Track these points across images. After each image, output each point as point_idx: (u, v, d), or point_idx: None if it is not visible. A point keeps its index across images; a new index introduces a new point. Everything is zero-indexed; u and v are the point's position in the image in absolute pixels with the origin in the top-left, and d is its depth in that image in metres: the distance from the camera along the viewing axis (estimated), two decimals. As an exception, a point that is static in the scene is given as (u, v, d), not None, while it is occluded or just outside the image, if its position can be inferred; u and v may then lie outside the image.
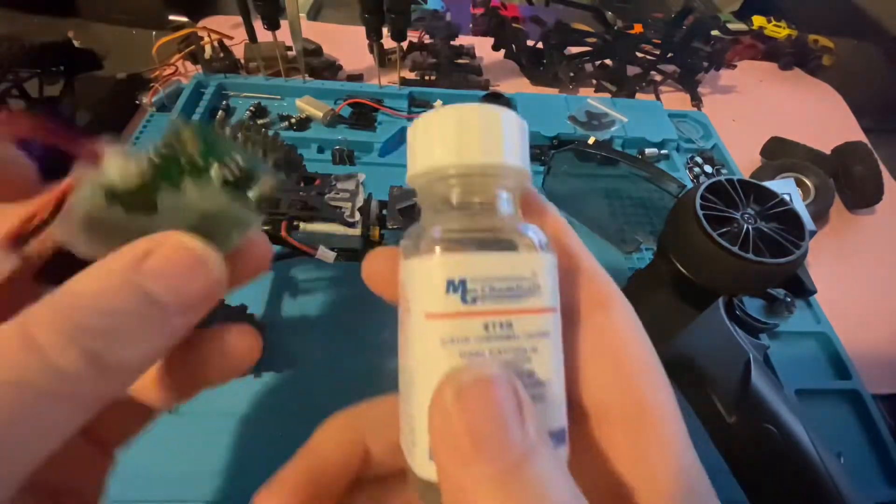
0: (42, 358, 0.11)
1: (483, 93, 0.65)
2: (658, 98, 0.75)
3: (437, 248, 0.13)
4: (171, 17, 0.68)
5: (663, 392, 0.14)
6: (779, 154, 0.65)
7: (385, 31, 0.59)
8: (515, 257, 0.13)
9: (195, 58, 0.64)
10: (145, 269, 0.12)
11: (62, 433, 0.11)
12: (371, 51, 0.69)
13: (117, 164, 0.14)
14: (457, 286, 0.12)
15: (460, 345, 0.12)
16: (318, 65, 0.69)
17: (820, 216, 0.59)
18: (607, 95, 0.73)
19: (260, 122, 0.60)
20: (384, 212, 0.43)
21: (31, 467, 0.11)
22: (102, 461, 0.17)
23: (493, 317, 0.12)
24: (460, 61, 0.73)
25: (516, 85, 0.74)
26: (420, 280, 0.13)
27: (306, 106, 0.61)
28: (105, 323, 0.11)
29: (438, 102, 0.65)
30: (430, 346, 0.12)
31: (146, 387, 0.15)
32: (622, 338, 0.14)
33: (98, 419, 0.13)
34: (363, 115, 0.62)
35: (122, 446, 0.17)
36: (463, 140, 0.14)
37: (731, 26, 0.89)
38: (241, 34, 0.63)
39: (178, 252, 0.13)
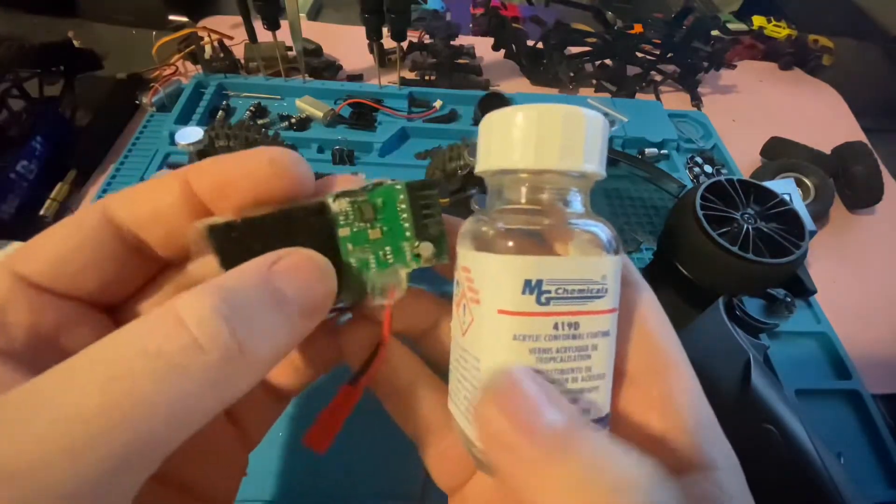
0: (190, 338, 0.11)
1: (483, 93, 0.65)
2: (658, 98, 0.75)
3: (515, 248, 0.13)
4: (171, 17, 0.68)
5: (680, 353, 0.15)
6: (779, 154, 0.65)
7: (385, 31, 0.59)
8: (589, 261, 0.13)
9: (195, 58, 0.64)
10: (277, 268, 0.13)
11: (200, 418, 0.11)
12: (371, 51, 0.69)
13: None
14: (533, 287, 0.13)
15: (530, 342, 0.13)
16: (318, 65, 0.69)
17: (820, 216, 0.59)
18: (607, 95, 0.73)
19: (260, 122, 0.60)
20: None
21: (167, 449, 0.11)
22: (238, 458, 0.18)
23: (563, 317, 0.13)
24: (460, 61, 0.73)
25: (516, 85, 0.74)
26: (495, 276, 0.13)
27: (306, 106, 0.61)
28: (244, 311, 0.12)
29: (438, 102, 0.65)
30: (501, 341, 0.13)
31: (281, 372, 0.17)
32: (644, 311, 0.15)
33: (235, 411, 0.15)
34: (363, 115, 0.62)
35: (257, 440, 0.18)
36: (543, 142, 0.14)
37: (731, 26, 0.89)
38: (241, 34, 0.63)
39: (304, 260, 0.14)
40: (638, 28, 0.73)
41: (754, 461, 0.31)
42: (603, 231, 0.14)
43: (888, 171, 0.66)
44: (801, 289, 0.48)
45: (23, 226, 0.49)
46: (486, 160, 0.15)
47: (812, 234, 0.50)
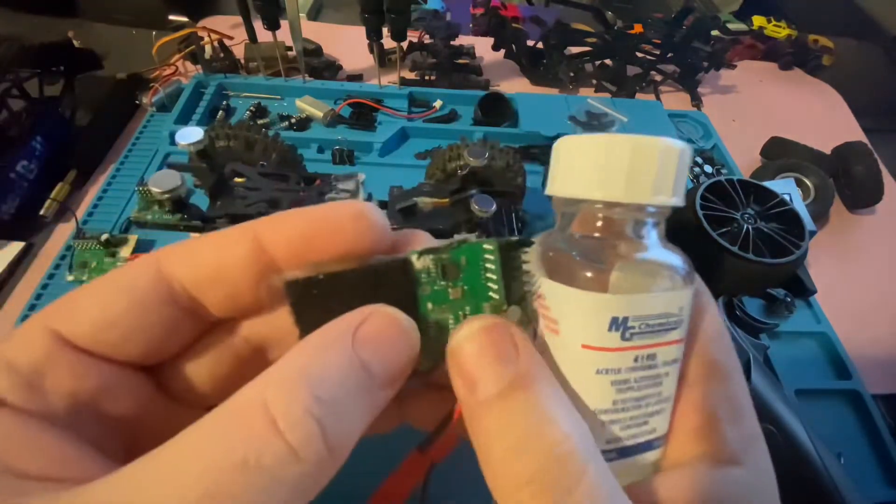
0: (287, 448, 0.11)
1: (483, 93, 0.65)
2: (658, 98, 0.75)
3: (600, 284, 0.13)
4: (171, 17, 0.68)
5: (731, 361, 0.16)
6: (779, 154, 0.65)
7: (385, 31, 0.59)
8: (671, 296, 0.14)
9: (195, 58, 0.64)
10: (361, 336, 0.13)
11: None
12: (371, 51, 0.69)
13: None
14: (619, 324, 0.13)
15: (612, 375, 0.13)
16: (318, 65, 0.69)
17: (820, 216, 0.58)
18: (607, 95, 0.73)
19: (260, 122, 0.60)
20: (384, 212, 0.43)
21: None
22: None
23: (643, 350, 0.13)
24: (460, 61, 0.73)
25: (516, 85, 0.74)
26: (580, 312, 0.13)
27: (306, 106, 0.61)
28: (335, 406, 0.12)
29: (438, 102, 0.65)
30: (584, 374, 0.13)
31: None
32: (708, 321, 0.15)
33: None
34: (363, 115, 0.62)
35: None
36: (636, 175, 0.13)
37: (731, 26, 0.89)
38: (241, 34, 0.63)
39: (389, 323, 0.13)
40: (638, 28, 0.73)
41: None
42: (682, 263, 0.14)
43: (888, 171, 0.66)
44: (801, 289, 0.48)
45: (23, 226, 0.49)
46: (565, 186, 0.15)
47: (812, 234, 0.50)
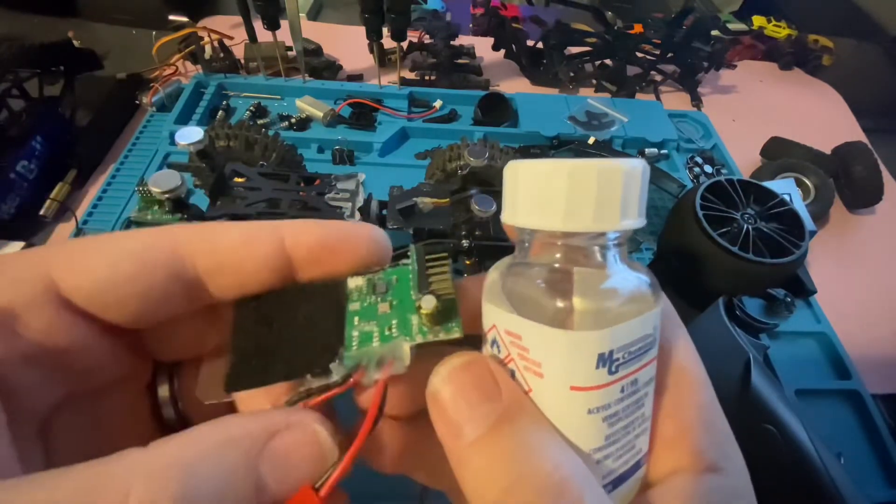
0: None
1: (483, 93, 0.65)
2: (658, 98, 0.75)
3: (579, 321, 0.13)
4: (171, 17, 0.68)
5: (697, 363, 0.15)
6: (779, 154, 0.65)
7: (385, 31, 0.59)
8: (646, 318, 0.13)
9: (195, 58, 0.64)
10: (271, 449, 0.12)
11: None
12: (371, 51, 0.69)
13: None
14: (606, 360, 0.12)
15: (603, 412, 0.13)
16: (318, 65, 0.69)
17: (820, 216, 0.59)
18: (607, 95, 0.73)
19: (260, 122, 0.60)
20: (384, 212, 0.43)
21: None
22: None
23: (627, 378, 0.13)
24: (460, 61, 0.73)
25: (516, 85, 0.74)
26: (566, 353, 0.13)
27: (306, 106, 0.61)
28: (210, 499, 0.11)
29: (438, 102, 0.65)
30: (576, 416, 0.13)
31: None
32: (670, 333, 0.15)
33: None
34: (363, 115, 0.62)
35: None
36: (602, 203, 0.13)
37: (731, 26, 0.89)
38: (241, 34, 0.63)
39: (307, 440, 0.13)
40: (638, 28, 0.73)
41: (754, 461, 0.31)
42: (648, 280, 0.14)
43: (888, 171, 0.66)
44: (801, 289, 0.48)
45: (23, 226, 0.49)
46: (517, 216, 0.14)
47: (812, 234, 0.50)
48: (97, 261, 0.13)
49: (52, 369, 0.13)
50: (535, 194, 0.14)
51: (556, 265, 0.14)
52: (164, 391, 0.16)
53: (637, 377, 0.13)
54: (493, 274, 0.15)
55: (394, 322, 0.15)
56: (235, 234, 0.15)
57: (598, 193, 0.13)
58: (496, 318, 0.14)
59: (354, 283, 0.15)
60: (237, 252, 0.15)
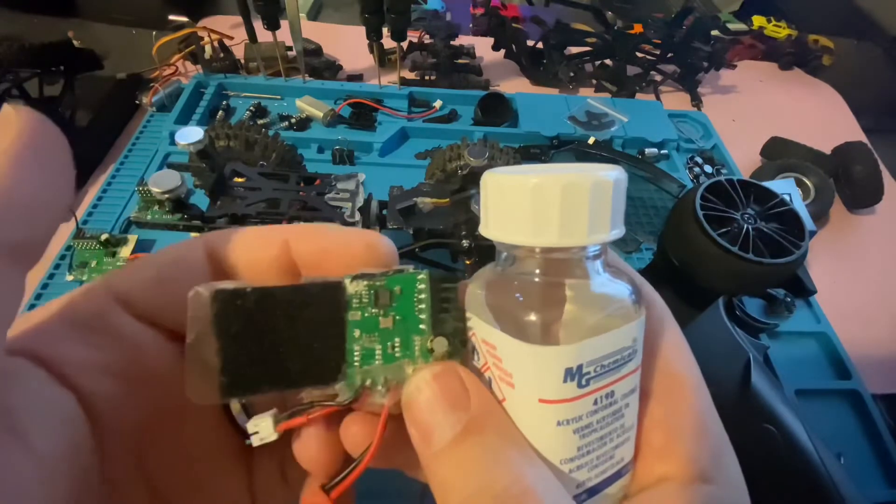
0: None
1: (483, 93, 0.65)
2: (658, 98, 0.75)
3: (550, 336, 0.13)
4: (171, 17, 0.68)
5: (693, 375, 0.15)
6: (779, 154, 0.66)
7: (385, 31, 0.59)
8: (622, 331, 0.13)
9: (195, 58, 0.65)
10: None
11: None
12: (371, 51, 0.69)
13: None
14: (574, 374, 0.12)
15: (574, 424, 0.13)
16: (318, 65, 0.69)
17: (820, 216, 0.59)
18: (607, 95, 0.73)
19: (260, 122, 0.60)
20: (384, 212, 0.43)
21: None
22: None
23: (601, 391, 0.13)
24: (460, 61, 0.73)
25: (516, 85, 0.74)
26: (533, 367, 0.13)
27: (306, 106, 0.61)
28: None
29: (438, 102, 0.65)
30: (545, 427, 0.13)
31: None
32: (663, 335, 0.15)
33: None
34: (363, 115, 0.62)
35: None
36: (548, 219, 0.13)
37: (731, 26, 0.89)
38: (241, 34, 0.63)
39: None
40: (638, 28, 0.73)
41: (754, 461, 0.31)
42: (630, 292, 0.14)
43: (888, 171, 0.66)
44: (801, 289, 0.48)
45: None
46: (489, 228, 0.14)
47: (812, 234, 0.50)
48: (144, 268, 0.15)
49: (134, 382, 0.14)
50: (504, 208, 0.14)
51: (535, 278, 0.14)
52: (235, 403, 0.16)
53: (613, 389, 0.13)
54: (473, 283, 0.15)
55: (397, 340, 0.14)
56: (249, 233, 0.16)
57: (563, 209, 0.13)
58: (475, 326, 0.14)
59: (354, 287, 0.14)
60: (251, 251, 0.16)
